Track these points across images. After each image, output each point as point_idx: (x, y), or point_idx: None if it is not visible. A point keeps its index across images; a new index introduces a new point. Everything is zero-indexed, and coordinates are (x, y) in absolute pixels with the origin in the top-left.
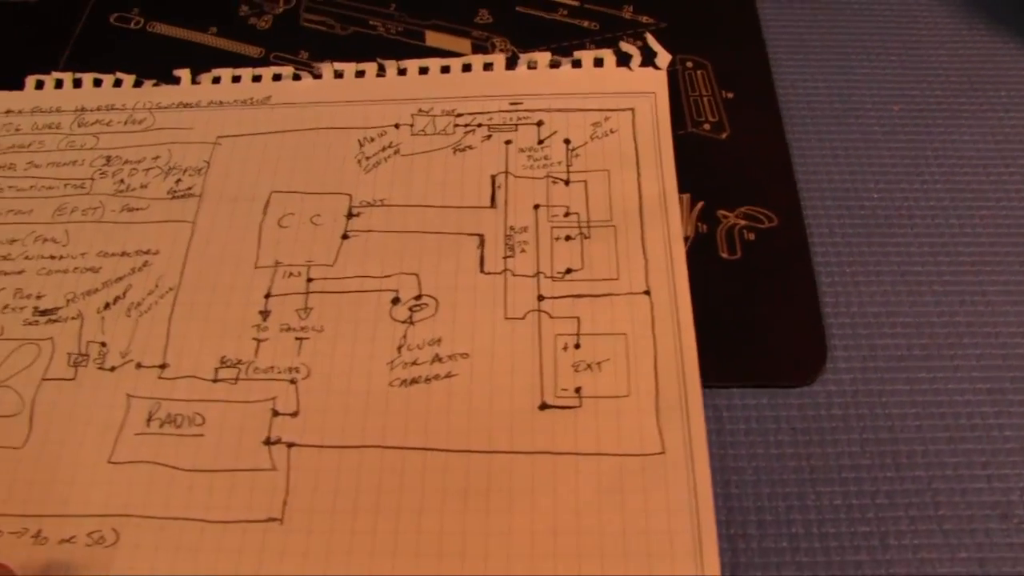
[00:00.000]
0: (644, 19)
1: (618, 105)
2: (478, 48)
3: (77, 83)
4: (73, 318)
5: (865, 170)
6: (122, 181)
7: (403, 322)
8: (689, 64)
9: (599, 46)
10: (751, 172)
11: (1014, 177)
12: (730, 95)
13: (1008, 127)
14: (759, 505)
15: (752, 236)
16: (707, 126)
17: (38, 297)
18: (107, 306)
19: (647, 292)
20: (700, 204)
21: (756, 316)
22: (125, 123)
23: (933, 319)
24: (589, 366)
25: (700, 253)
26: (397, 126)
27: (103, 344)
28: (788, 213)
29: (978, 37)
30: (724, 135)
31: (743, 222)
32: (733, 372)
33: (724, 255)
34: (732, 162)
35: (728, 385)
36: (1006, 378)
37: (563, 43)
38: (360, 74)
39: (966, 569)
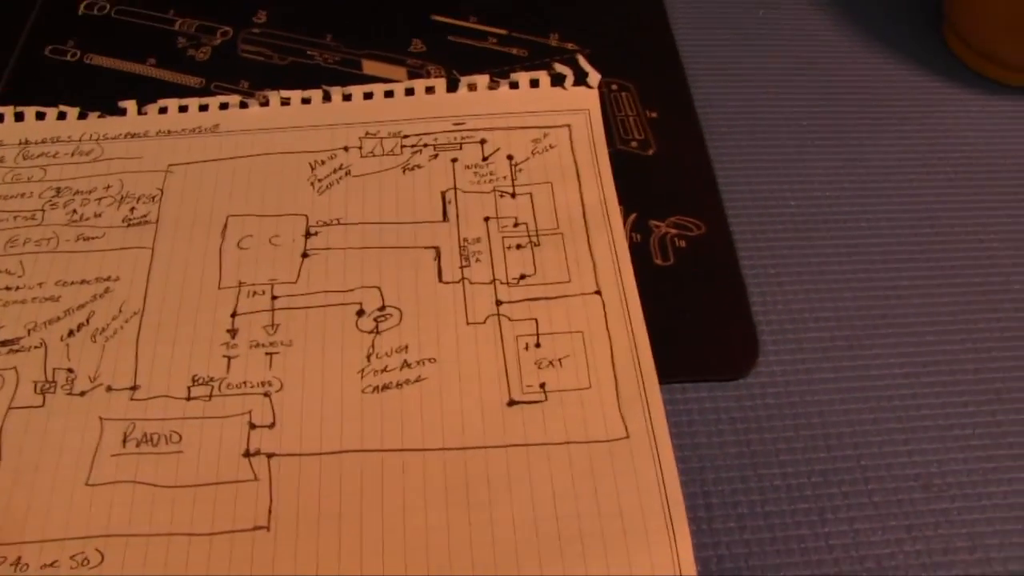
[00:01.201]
0: (570, 46)
1: (555, 122)
2: (414, 75)
3: (19, 116)
4: (36, 347)
5: (782, 180)
6: (74, 211)
7: (369, 332)
8: (614, 86)
9: (529, 71)
10: (678, 184)
11: (914, 183)
12: (654, 114)
13: (905, 138)
14: (705, 490)
15: (683, 243)
16: (634, 143)
17: None
18: (71, 333)
19: (598, 292)
20: (633, 215)
21: (692, 316)
22: (72, 154)
23: (852, 313)
24: (551, 363)
25: (636, 261)
26: (346, 149)
27: (70, 370)
28: (715, 221)
29: (874, 58)
30: (651, 151)
31: (674, 231)
32: (674, 368)
33: (658, 262)
34: (660, 176)
35: (670, 381)
36: (919, 363)
37: (495, 69)
38: (306, 101)
39: (895, 536)
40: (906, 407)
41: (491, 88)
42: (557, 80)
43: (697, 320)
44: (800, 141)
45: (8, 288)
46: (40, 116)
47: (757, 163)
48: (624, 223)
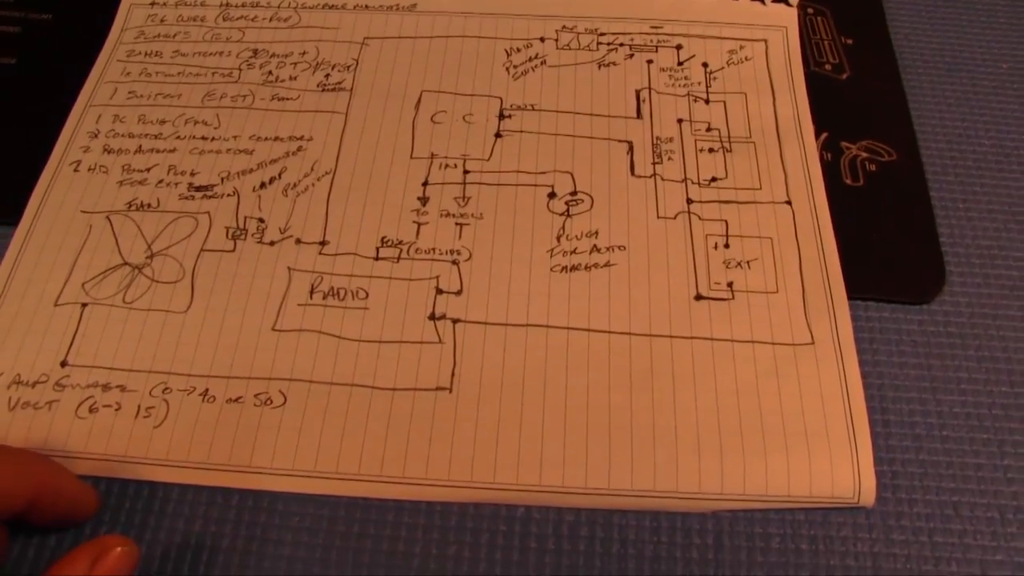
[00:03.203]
0: None
1: (752, 36)
2: None
3: None
4: (229, 195)
5: (976, 119)
6: (270, 73)
7: (560, 214)
8: (810, 10)
9: None
10: (871, 110)
11: None
12: (849, 41)
13: None
14: (884, 407)
15: (873, 167)
16: (828, 67)
17: (192, 174)
18: (263, 185)
19: (788, 202)
20: (824, 134)
21: (880, 237)
22: (270, 19)
23: None
24: (739, 264)
25: (826, 178)
26: (542, 39)
27: (261, 220)
28: (906, 150)
29: None
30: (844, 76)
31: (865, 154)
32: (859, 285)
33: (848, 181)
34: (852, 100)
35: (854, 297)
36: None
37: None
38: None
39: None
40: None
41: None
42: None
43: (884, 241)
44: (998, 83)
45: (204, 138)
46: None
47: (951, 99)
48: (815, 140)
